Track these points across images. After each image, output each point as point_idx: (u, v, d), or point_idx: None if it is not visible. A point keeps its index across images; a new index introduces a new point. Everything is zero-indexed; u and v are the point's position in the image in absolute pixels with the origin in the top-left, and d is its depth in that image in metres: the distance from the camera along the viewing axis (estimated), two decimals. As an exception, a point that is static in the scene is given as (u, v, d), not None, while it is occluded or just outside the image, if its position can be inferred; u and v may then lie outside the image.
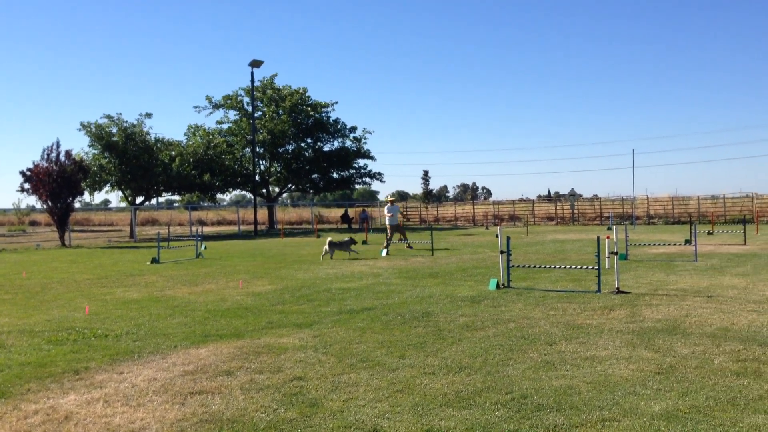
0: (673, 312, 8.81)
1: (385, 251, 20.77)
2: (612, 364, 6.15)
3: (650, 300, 9.87)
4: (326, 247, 19.78)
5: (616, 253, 11.30)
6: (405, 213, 58.52)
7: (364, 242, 26.77)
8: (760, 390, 5.23)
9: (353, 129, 53.62)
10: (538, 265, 14.15)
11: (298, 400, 5.31)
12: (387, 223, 23.15)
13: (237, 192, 65.65)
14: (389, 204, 23.93)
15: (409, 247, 22.63)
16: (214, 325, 8.70)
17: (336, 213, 60.93)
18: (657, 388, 5.35)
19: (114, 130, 40.92)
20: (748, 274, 12.77)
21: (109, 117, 41.24)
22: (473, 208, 56.58)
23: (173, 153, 43.87)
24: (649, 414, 4.73)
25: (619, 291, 10.63)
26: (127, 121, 41.54)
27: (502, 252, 11.88)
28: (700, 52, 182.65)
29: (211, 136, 49.48)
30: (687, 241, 20.59)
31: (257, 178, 49.95)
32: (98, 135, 40.51)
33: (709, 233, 27.57)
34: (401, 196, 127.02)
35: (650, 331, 7.61)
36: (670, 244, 20.61)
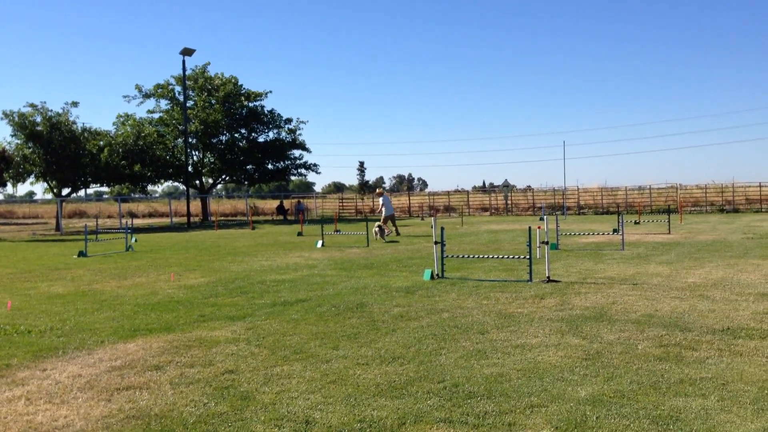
0: (600, 300, 9.05)
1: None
2: (541, 352, 6.28)
3: (579, 288, 10.12)
4: (375, 229, 22.18)
5: (547, 243, 11.54)
6: (341, 205, 58.47)
7: (299, 234, 26.61)
8: (681, 374, 5.42)
9: (288, 120, 53.19)
10: (472, 255, 14.34)
11: (229, 394, 5.22)
12: (385, 214, 24.09)
13: (169, 183, 64.40)
14: (384, 195, 25.06)
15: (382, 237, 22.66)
16: (144, 319, 8.50)
17: (272, 204, 60.34)
18: (584, 374, 5.49)
19: (38, 119, 39.48)
20: (672, 262, 13.24)
21: (32, 106, 39.77)
22: (409, 199, 56.93)
23: (101, 143, 42.60)
24: (576, 399, 4.85)
25: (549, 280, 10.87)
26: (52, 110, 40.14)
27: (436, 242, 11.99)
28: (627, 45, 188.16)
29: (141, 126, 48.25)
30: (615, 231, 21.21)
31: (190, 169, 48.98)
32: (21, 124, 39.02)
33: (636, 223, 28.48)
34: (337, 188, 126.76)
35: (578, 318, 7.80)
36: (599, 234, 21.19)
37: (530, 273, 11.11)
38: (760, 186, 43.92)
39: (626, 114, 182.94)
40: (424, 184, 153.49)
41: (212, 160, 52.14)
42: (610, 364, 5.76)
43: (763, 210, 42.30)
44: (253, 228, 35.02)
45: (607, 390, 5.04)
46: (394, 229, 24.48)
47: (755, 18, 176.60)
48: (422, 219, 44.21)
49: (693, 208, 44.69)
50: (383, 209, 24.26)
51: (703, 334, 6.81)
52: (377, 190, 26.36)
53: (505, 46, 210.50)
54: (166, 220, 50.80)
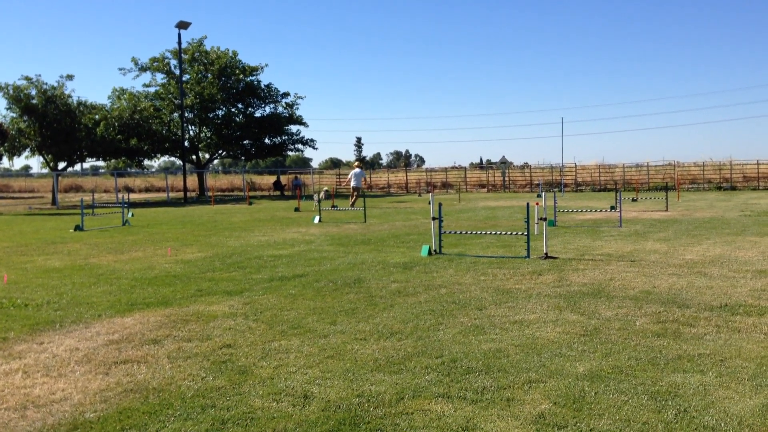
0: (598, 276, 9.05)
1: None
2: (539, 327, 6.27)
3: (577, 265, 10.11)
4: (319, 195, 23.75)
5: (545, 220, 11.52)
6: (338, 180, 58.40)
7: (297, 209, 26.56)
8: (678, 350, 5.42)
9: (285, 95, 52.90)
10: (469, 232, 14.32)
11: (227, 368, 5.21)
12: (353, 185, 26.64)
13: (166, 158, 64.41)
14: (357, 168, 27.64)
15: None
16: (141, 294, 8.48)
17: (268, 180, 60.25)
18: (582, 350, 5.49)
19: (33, 93, 39.17)
20: (669, 239, 13.24)
21: (27, 79, 39.44)
22: (406, 176, 56.85)
23: (97, 117, 42.33)
24: (574, 374, 4.85)
25: (547, 256, 10.86)
26: (47, 83, 39.83)
27: (434, 219, 11.95)
28: (626, 22, 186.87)
29: (137, 100, 47.97)
30: (612, 208, 21.18)
31: (186, 143, 48.80)
32: (16, 97, 38.73)
33: (633, 200, 28.46)
34: (334, 163, 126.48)
35: (576, 294, 7.80)
36: (596, 211, 21.19)
37: (528, 249, 11.10)
38: (758, 164, 43.91)
39: (624, 91, 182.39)
40: (422, 161, 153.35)
41: (209, 135, 51.88)
42: (608, 340, 5.76)
43: (760, 188, 42.31)
44: (250, 203, 34.96)
45: (605, 366, 5.04)
46: (352, 200, 26.86)
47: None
48: (419, 195, 44.17)
49: (691, 186, 44.71)
50: (352, 180, 27.01)
51: (701, 311, 6.81)
52: (355, 163, 28.14)
53: (503, 22, 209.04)
54: (162, 195, 50.68)
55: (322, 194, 23.72)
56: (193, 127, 51.58)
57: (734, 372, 4.84)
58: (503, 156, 52.46)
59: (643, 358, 5.21)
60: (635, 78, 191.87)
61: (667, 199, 23.19)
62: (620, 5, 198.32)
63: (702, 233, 14.33)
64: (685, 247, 12.03)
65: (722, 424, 3.93)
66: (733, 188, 42.88)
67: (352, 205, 25.84)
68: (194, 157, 52.76)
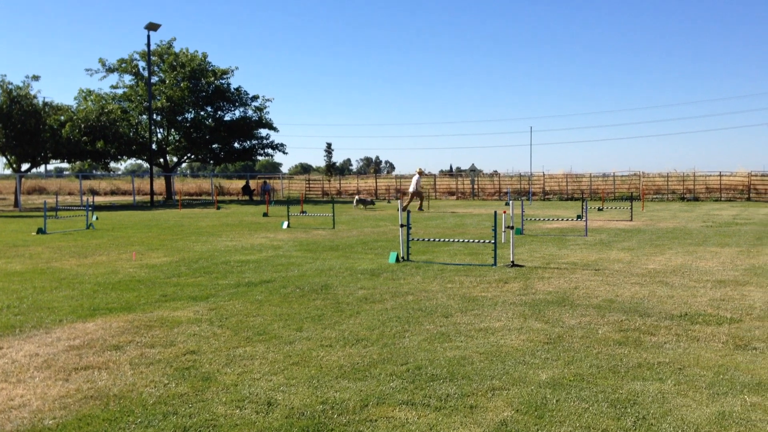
0: (563, 284, 9.16)
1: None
2: (504, 335, 6.33)
3: (542, 273, 10.22)
4: (354, 202, 28.63)
5: (512, 228, 11.63)
6: (308, 186, 58.29)
7: (265, 214, 26.43)
8: (639, 358, 5.52)
9: (255, 98, 52.59)
10: (437, 239, 14.39)
11: (190, 375, 5.17)
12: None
13: (132, 161, 63.52)
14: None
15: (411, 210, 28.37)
16: (104, 299, 8.36)
17: (237, 184, 59.81)
18: (545, 358, 5.55)
19: (-2, 93, 38.34)
20: (633, 249, 13.45)
21: (-8, 78, 38.58)
22: (376, 182, 56.88)
23: (63, 118, 41.59)
24: (537, 382, 4.90)
25: (513, 264, 10.96)
26: (12, 84, 38.99)
27: (402, 225, 11.99)
28: (593, 33, 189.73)
29: (104, 102, 47.27)
30: (579, 217, 21.43)
31: (154, 146, 48.25)
32: (-20, 97, 37.87)
33: (599, 209, 28.83)
34: (304, 169, 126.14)
35: (541, 303, 7.88)
36: (563, 220, 21.41)
37: (495, 257, 11.19)
38: (720, 175, 44.77)
39: (592, 102, 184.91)
40: (392, 167, 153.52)
41: (177, 138, 51.34)
42: (571, 348, 5.84)
43: (722, 199, 43.16)
44: (218, 208, 34.68)
45: (567, 373, 5.11)
46: (419, 204, 29.90)
47: (719, 9, 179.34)
48: (389, 202, 44.23)
49: (655, 196, 45.41)
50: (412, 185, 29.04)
51: (662, 320, 6.94)
52: (417, 170, 30.80)
53: (473, 31, 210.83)
54: (128, 198, 50.05)
55: (355, 202, 27.64)
56: (161, 130, 51.01)
57: (692, 380, 4.94)
58: (473, 164, 52.91)
59: (605, 366, 5.29)
60: (603, 89, 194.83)
61: (631, 209, 23.55)
62: (588, 17, 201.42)
63: (665, 243, 14.58)
64: (648, 256, 12.23)
65: (679, 432, 4.00)
66: (696, 199, 43.68)
67: (420, 208, 29.50)
68: (162, 160, 52.16)
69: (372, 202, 30.42)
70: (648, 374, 5.09)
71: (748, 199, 42.81)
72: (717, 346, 5.93)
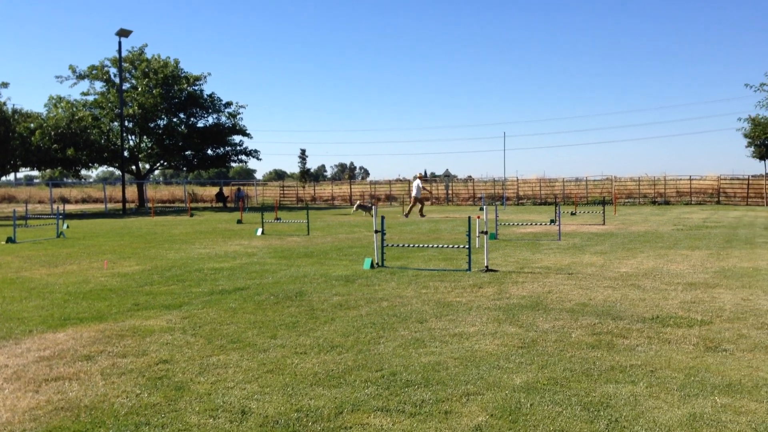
0: (536, 289, 9.22)
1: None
2: (479, 340, 6.35)
3: (516, 278, 10.28)
4: (355, 207, 28.99)
5: (486, 233, 11.69)
6: (282, 193, 58.09)
7: (239, 221, 26.28)
8: (611, 361, 5.57)
9: (228, 104, 52.34)
10: (412, 245, 14.42)
11: (163, 384, 5.11)
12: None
13: (104, 168, 62.84)
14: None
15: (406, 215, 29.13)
16: (75, 308, 8.24)
17: (211, 191, 59.44)
18: (519, 362, 5.58)
19: (-35, 99, 37.74)
20: (606, 252, 13.58)
21: (-41, 85, 38.01)
22: (350, 188, 56.86)
23: (32, 125, 41.07)
24: (511, 386, 4.93)
25: (488, 269, 11.00)
26: (-20, 91, 38.48)
27: (376, 231, 11.99)
28: (566, 40, 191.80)
29: (75, 109, 46.74)
30: (552, 221, 21.64)
31: (126, 153, 47.77)
32: (-53, 104, 37.27)
33: (572, 214, 29.11)
34: (278, 175, 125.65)
35: (515, 307, 7.93)
36: (536, 224, 21.59)
37: (469, 262, 11.23)
38: (691, 179, 45.46)
39: (565, 107, 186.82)
40: (366, 173, 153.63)
41: (150, 145, 50.90)
42: (545, 352, 5.87)
43: (692, 202, 43.81)
44: (192, 215, 34.43)
45: (541, 377, 5.14)
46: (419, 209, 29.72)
47: (689, 15, 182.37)
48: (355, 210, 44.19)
49: (627, 200, 45.96)
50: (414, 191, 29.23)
51: (634, 323, 7.01)
52: (418, 175, 31.36)
53: (446, 36, 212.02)
54: (100, 206, 49.44)
55: (355, 208, 28.62)
56: (133, 137, 50.54)
57: (664, 382, 5.00)
58: (447, 169, 53.08)
59: (578, 370, 5.33)
60: (575, 94, 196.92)
61: (604, 213, 23.80)
62: (560, 22, 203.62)
63: (637, 247, 14.75)
64: (620, 260, 12.36)
65: (651, 434, 4.04)
66: (667, 203, 44.29)
67: (421, 214, 29.33)
68: (134, 167, 51.66)
69: (371, 207, 30.87)
70: (620, 377, 5.13)
71: (718, 202, 43.52)
72: (688, 348, 6.00)
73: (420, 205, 29.62)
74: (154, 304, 8.42)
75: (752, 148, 43.04)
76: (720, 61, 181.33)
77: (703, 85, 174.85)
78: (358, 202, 29.83)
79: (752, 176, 44.64)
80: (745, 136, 43.09)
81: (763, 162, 42.43)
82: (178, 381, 5.20)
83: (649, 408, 4.46)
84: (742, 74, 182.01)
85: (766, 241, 15.96)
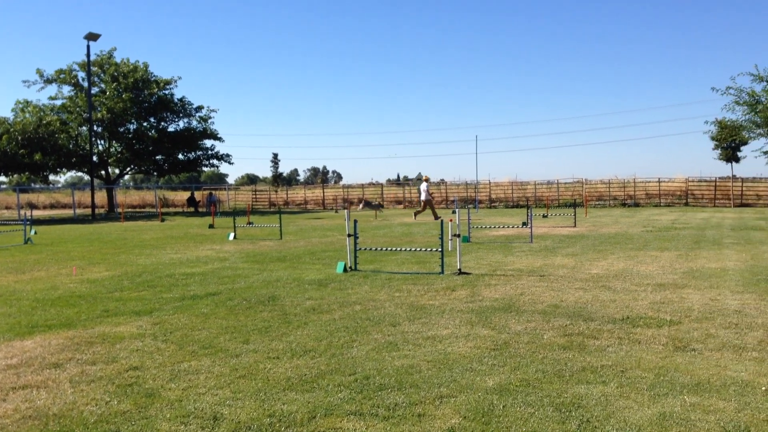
0: (509, 291, 9.27)
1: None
2: (451, 343, 6.37)
3: (489, 280, 10.33)
4: (361, 206, 29.13)
5: (459, 236, 11.73)
6: (254, 197, 57.81)
7: (211, 226, 26.08)
8: (583, 362, 5.62)
9: (199, 108, 51.90)
10: (385, 248, 14.42)
11: (133, 391, 5.05)
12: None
13: (73, 173, 61.92)
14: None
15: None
16: (43, 315, 8.11)
17: (182, 196, 58.89)
18: (492, 364, 5.60)
19: (-72, 104, 37.03)
20: (577, 254, 13.71)
21: None
22: (323, 192, 56.76)
23: (-1, 130, 40.36)
24: (484, 389, 4.95)
25: (461, 272, 11.05)
26: (-56, 94, 37.75)
27: (349, 235, 11.98)
28: (536, 43, 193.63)
29: (42, 113, 46.03)
30: (524, 224, 21.78)
31: (95, 158, 47.15)
32: None
33: (544, 216, 29.36)
34: (250, 179, 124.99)
35: (488, 309, 7.96)
36: (509, 227, 21.74)
37: (442, 265, 11.26)
38: (659, 182, 46.13)
39: (536, 110, 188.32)
40: (339, 177, 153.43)
41: (119, 150, 50.30)
42: (517, 354, 5.91)
43: (662, 204, 44.45)
44: (163, 220, 34.09)
45: (513, 379, 5.16)
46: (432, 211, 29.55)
47: (656, 18, 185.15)
48: (336, 212, 44.16)
49: (597, 202, 46.47)
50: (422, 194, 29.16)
51: (605, 324, 7.08)
52: (424, 177, 31.16)
53: (418, 40, 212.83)
54: (69, 212, 48.73)
55: (361, 206, 28.40)
56: (102, 142, 49.88)
57: (634, 382, 5.05)
58: (419, 173, 53.18)
59: (550, 371, 5.37)
60: (546, 97, 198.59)
61: (575, 215, 24.03)
62: (529, 26, 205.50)
63: (607, 248, 14.92)
64: (591, 261, 12.48)
65: (622, 433, 4.09)
66: (637, 205, 44.87)
67: (435, 216, 28.80)
68: (103, 172, 50.99)
69: (380, 206, 30.49)
70: (592, 377, 5.18)
71: (686, 204, 44.20)
72: (657, 348, 6.08)
73: (424, 209, 29.78)
74: (124, 311, 8.31)
75: (719, 151, 43.84)
76: (688, 65, 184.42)
77: (672, 88, 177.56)
78: (363, 200, 30.41)
79: (719, 178, 45.49)
80: (712, 138, 43.89)
81: (729, 164, 43.21)
82: (149, 388, 5.13)
83: (619, 408, 4.51)
84: (709, 78, 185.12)
85: (734, 242, 16.24)
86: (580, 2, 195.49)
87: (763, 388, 4.86)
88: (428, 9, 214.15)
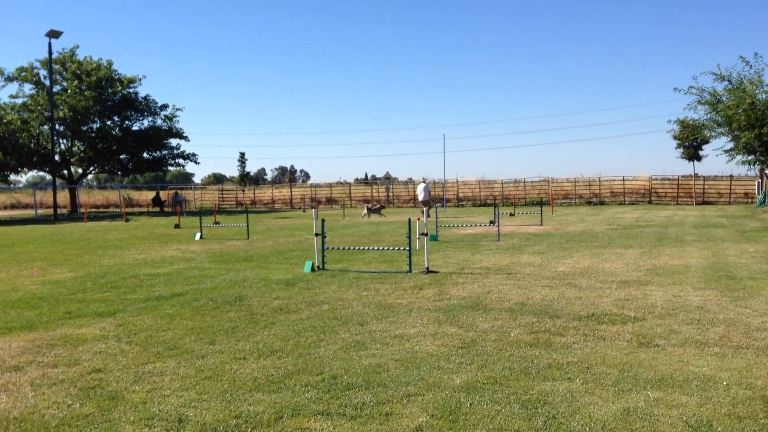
0: (476, 289, 9.32)
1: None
2: (419, 341, 6.37)
3: (457, 278, 10.37)
4: (364, 211, 29.54)
5: (427, 235, 11.76)
6: (221, 197, 57.33)
7: (177, 226, 25.78)
8: (549, 359, 5.66)
9: (164, 106, 51.26)
10: (352, 247, 14.40)
11: (96, 394, 4.96)
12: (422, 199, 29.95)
13: (34, 173, 60.71)
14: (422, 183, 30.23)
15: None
16: (3, 317, 7.93)
17: (147, 196, 58.12)
18: (459, 362, 5.62)
19: None
20: (543, 252, 13.84)
21: None
22: (291, 191, 56.51)
23: (-43, 129, 39.42)
24: (451, 387, 4.96)
25: (428, 271, 11.07)
26: None
27: (317, 234, 11.93)
28: (503, 43, 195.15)
29: (3, 112, 45.03)
30: (491, 222, 21.92)
31: (57, 158, 46.30)
32: None
33: (511, 215, 29.57)
34: (217, 179, 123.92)
35: (456, 308, 7.99)
36: (476, 225, 21.84)
37: (410, 264, 11.28)
38: (624, 180, 46.80)
39: (502, 109, 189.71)
40: (307, 176, 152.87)
41: (82, 149, 49.45)
42: (484, 352, 5.93)
43: (626, 202, 45.10)
44: (127, 220, 33.62)
45: (480, 377, 5.18)
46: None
47: (622, 17, 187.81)
48: (304, 211, 43.99)
49: (564, 201, 46.99)
50: (420, 194, 30.14)
51: (570, 321, 7.16)
52: (421, 179, 32.00)
53: (386, 38, 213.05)
54: (30, 212, 47.75)
55: (366, 210, 30.03)
56: (64, 141, 49.00)
57: (599, 378, 5.11)
58: (387, 172, 53.26)
59: (516, 368, 5.40)
60: (512, 96, 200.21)
61: (541, 213, 24.26)
62: (496, 24, 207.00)
63: (573, 246, 15.08)
64: (557, 259, 12.61)
65: (587, 429, 4.13)
66: (602, 203, 45.47)
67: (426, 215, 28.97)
68: (66, 172, 50.09)
69: (381, 208, 30.95)
70: (557, 374, 5.23)
71: (650, 202, 44.92)
72: (622, 344, 6.15)
73: (427, 208, 29.75)
74: (86, 312, 8.17)
75: (681, 150, 44.59)
76: (651, 65, 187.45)
77: (637, 88, 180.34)
78: (367, 206, 30.53)
79: (682, 176, 46.33)
80: (675, 138, 44.62)
81: (691, 163, 43.99)
82: (112, 390, 5.05)
83: (585, 404, 4.55)
84: (674, 77, 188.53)
85: (696, 239, 16.54)
86: (547, 1, 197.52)
87: (725, 383, 4.95)
88: (394, 8, 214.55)
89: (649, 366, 5.41)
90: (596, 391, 4.80)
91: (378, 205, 30.63)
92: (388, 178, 54.13)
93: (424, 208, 29.84)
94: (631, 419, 4.27)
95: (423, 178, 31.16)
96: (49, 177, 49.10)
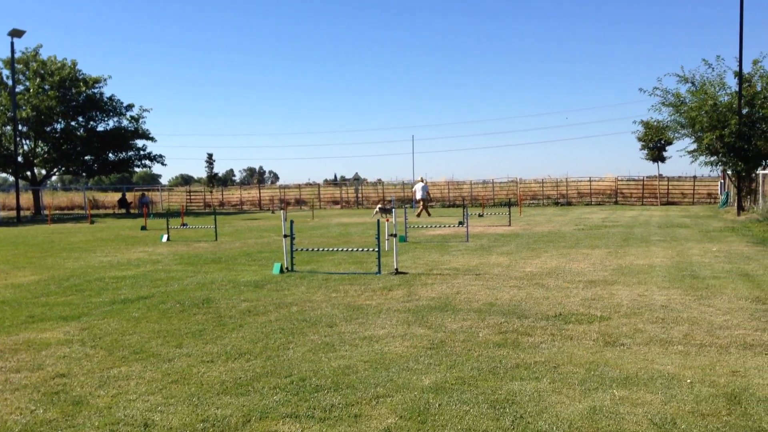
0: (445, 290, 9.35)
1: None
2: (388, 342, 6.38)
3: (426, 279, 10.40)
4: (376, 209, 29.65)
5: (396, 236, 11.78)
6: (189, 198, 56.79)
7: (143, 228, 25.47)
8: (517, 359, 5.71)
9: (130, 107, 50.55)
10: (322, 249, 14.35)
11: (59, 399, 4.87)
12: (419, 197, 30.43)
13: (-4, 174, 59.47)
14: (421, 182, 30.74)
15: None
16: (-37, 322, 7.75)
17: (113, 197, 57.32)
18: (428, 363, 5.64)
19: None
20: (512, 253, 13.94)
21: None
22: (259, 192, 56.19)
23: None
24: (420, 387, 4.97)
25: (397, 272, 11.08)
26: None
27: (285, 236, 11.88)
28: (471, 43, 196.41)
29: (-37, 112, 44.03)
30: (460, 223, 22.01)
31: (20, 159, 45.41)
32: None
33: (479, 215, 29.75)
34: (185, 180, 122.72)
35: (424, 309, 8.01)
36: (445, 226, 21.92)
37: (379, 265, 11.28)
38: (590, 181, 47.38)
39: (470, 111, 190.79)
40: (276, 177, 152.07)
41: (46, 150, 48.55)
42: (453, 352, 5.96)
43: (592, 203, 45.67)
44: (92, 222, 33.12)
45: (449, 377, 5.20)
46: (419, 212, 30.48)
47: (586, 20, 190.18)
48: (273, 212, 43.78)
49: (531, 201, 47.40)
50: (418, 193, 30.61)
51: (538, 320, 7.22)
52: (419, 178, 32.91)
53: (355, 40, 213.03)
54: (-8, 214, 46.81)
55: (376, 210, 30.02)
56: (27, 141, 48.08)
57: (566, 377, 5.16)
58: (356, 173, 53.24)
59: (485, 368, 5.44)
60: (481, 97, 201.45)
61: (510, 214, 24.44)
62: (464, 26, 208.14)
63: (541, 247, 15.22)
64: (525, 260, 12.71)
65: (554, 428, 4.17)
66: (569, 204, 45.98)
67: (419, 215, 30.01)
68: (29, 173, 49.16)
69: (391, 209, 31.34)
70: (525, 374, 5.27)
71: (616, 202, 45.54)
72: (588, 343, 6.23)
73: (423, 207, 30.55)
74: (50, 316, 8.03)
75: (646, 151, 45.20)
76: (616, 66, 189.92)
77: (603, 89, 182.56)
78: (379, 206, 30.80)
79: (646, 177, 46.96)
80: (639, 139, 45.22)
81: (656, 164, 44.65)
82: (77, 395, 4.97)
83: (552, 403, 4.60)
84: (639, 79, 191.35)
85: (660, 239, 16.81)
86: (515, 2, 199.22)
87: (688, 381, 5.03)
88: (364, 8, 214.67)
89: (614, 365, 5.49)
90: (563, 391, 4.85)
91: (390, 206, 30.87)
92: (357, 179, 54.13)
93: (421, 208, 30.15)
94: (597, 418, 4.32)
95: (421, 178, 31.38)
96: (11, 178, 48.19)
